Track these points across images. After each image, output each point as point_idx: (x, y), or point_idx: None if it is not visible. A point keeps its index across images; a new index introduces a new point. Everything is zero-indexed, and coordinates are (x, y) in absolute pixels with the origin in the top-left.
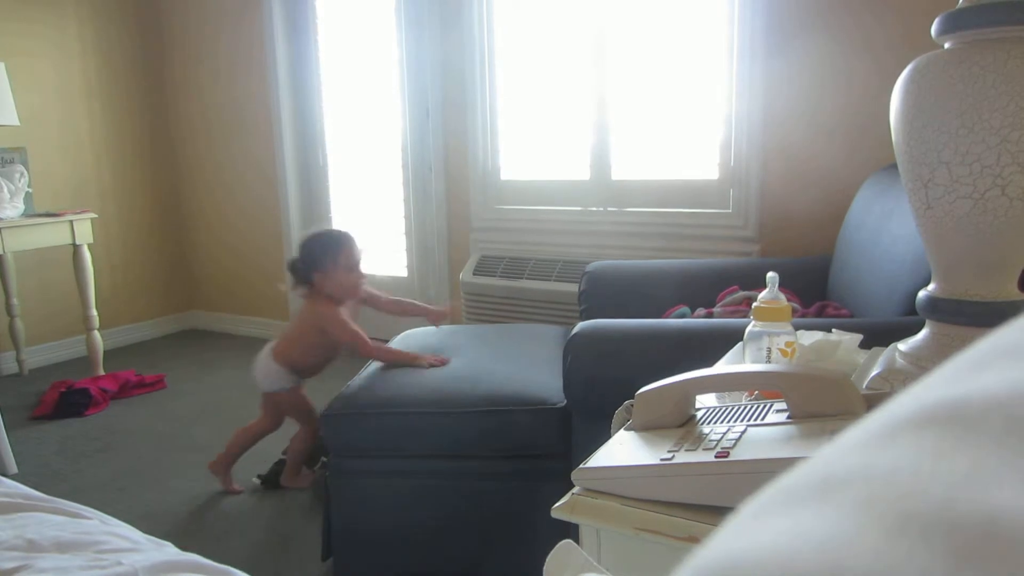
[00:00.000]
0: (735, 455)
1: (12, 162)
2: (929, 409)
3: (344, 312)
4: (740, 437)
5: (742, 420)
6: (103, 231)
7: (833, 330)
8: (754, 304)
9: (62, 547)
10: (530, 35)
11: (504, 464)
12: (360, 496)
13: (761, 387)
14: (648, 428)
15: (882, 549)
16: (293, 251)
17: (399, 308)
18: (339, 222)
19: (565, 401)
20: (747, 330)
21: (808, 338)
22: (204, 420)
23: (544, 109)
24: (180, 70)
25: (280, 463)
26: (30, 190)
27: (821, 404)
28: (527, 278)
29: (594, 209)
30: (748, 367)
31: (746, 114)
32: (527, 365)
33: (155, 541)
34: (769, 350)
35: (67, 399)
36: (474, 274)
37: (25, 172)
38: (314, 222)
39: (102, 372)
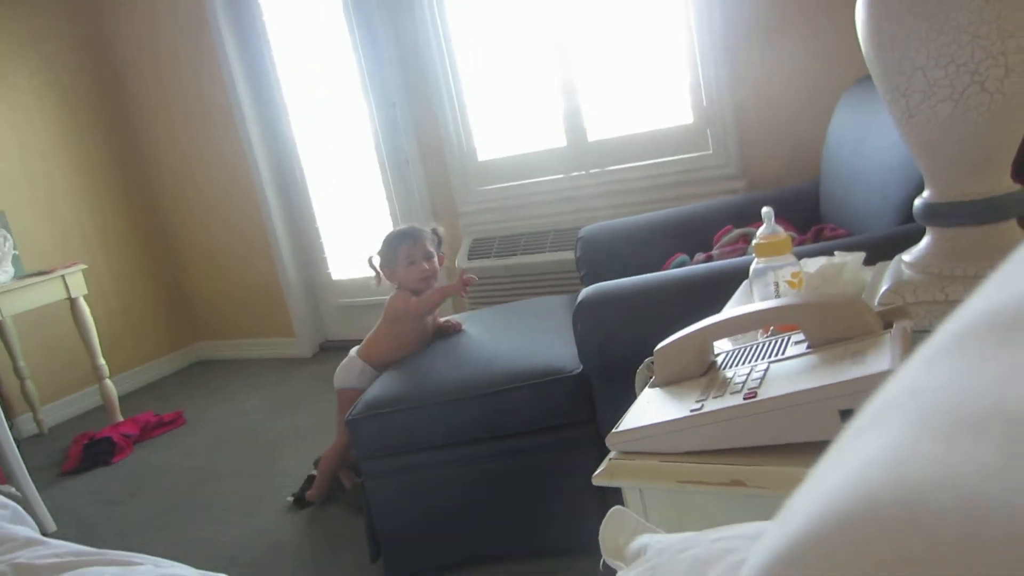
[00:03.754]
0: (763, 394)
1: None
2: (967, 325)
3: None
4: (764, 375)
5: (763, 358)
6: (95, 280)
7: (835, 252)
8: (753, 241)
9: None
10: (483, 10)
11: (533, 439)
12: (397, 493)
13: (776, 322)
14: (671, 382)
15: (940, 454)
16: (287, 269)
17: (426, 306)
18: (326, 232)
19: (581, 367)
20: (751, 268)
21: (812, 265)
22: (228, 448)
23: (510, 83)
24: (139, 104)
25: (310, 479)
26: (16, 252)
27: (838, 328)
28: (522, 253)
29: (576, 174)
30: (760, 305)
31: (709, 50)
32: (539, 338)
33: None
34: (776, 284)
35: (92, 450)
36: (469, 258)
37: (8, 235)
38: (300, 234)
39: (121, 418)
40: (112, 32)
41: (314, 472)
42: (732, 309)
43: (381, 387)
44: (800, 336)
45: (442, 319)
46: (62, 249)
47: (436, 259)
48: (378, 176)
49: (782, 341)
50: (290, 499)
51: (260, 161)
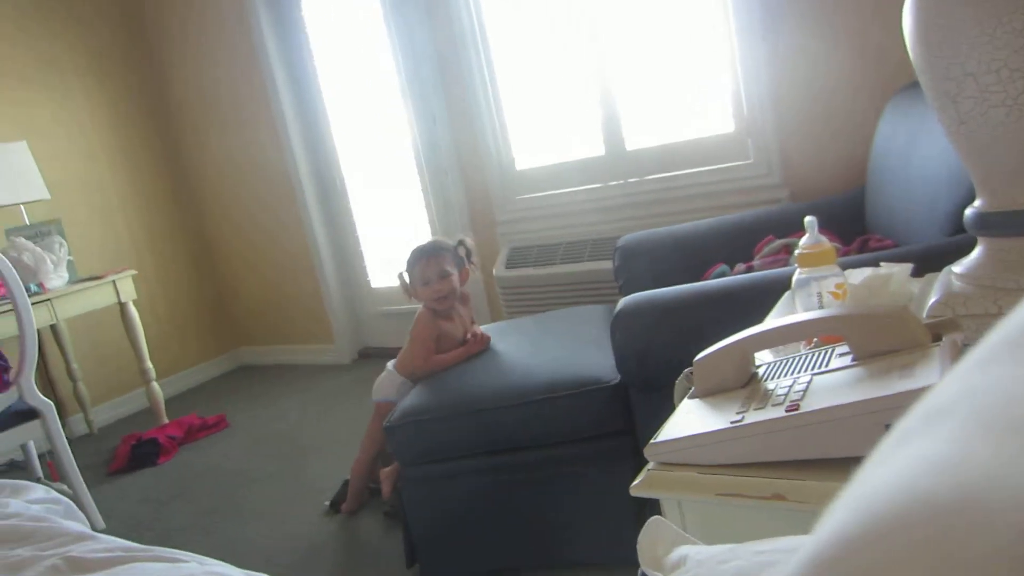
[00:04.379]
0: (805, 406)
1: (50, 234)
2: (1019, 331)
3: (441, 322)
4: (807, 388)
5: (806, 370)
6: (144, 286)
7: (881, 264)
8: (796, 251)
9: None
10: (520, 20)
11: (570, 449)
12: (434, 500)
13: (820, 334)
14: (711, 393)
15: (994, 454)
16: (327, 277)
17: (440, 366)
18: (365, 239)
19: (619, 378)
20: (794, 278)
21: (857, 276)
22: (269, 451)
23: (548, 92)
24: (187, 118)
25: (347, 484)
26: (71, 258)
27: (884, 341)
28: (560, 263)
29: (615, 183)
30: (803, 316)
31: (751, 58)
32: (576, 348)
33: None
34: (820, 295)
35: (139, 451)
36: (506, 268)
37: (63, 242)
38: (341, 242)
39: (166, 420)
40: (161, 51)
41: (348, 477)
42: (774, 320)
43: (418, 395)
44: (845, 348)
45: (472, 331)
46: (113, 255)
47: (455, 276)
48: (417, 185)
49: (826, 353)
50: (327, 504)
51: (302, 170)
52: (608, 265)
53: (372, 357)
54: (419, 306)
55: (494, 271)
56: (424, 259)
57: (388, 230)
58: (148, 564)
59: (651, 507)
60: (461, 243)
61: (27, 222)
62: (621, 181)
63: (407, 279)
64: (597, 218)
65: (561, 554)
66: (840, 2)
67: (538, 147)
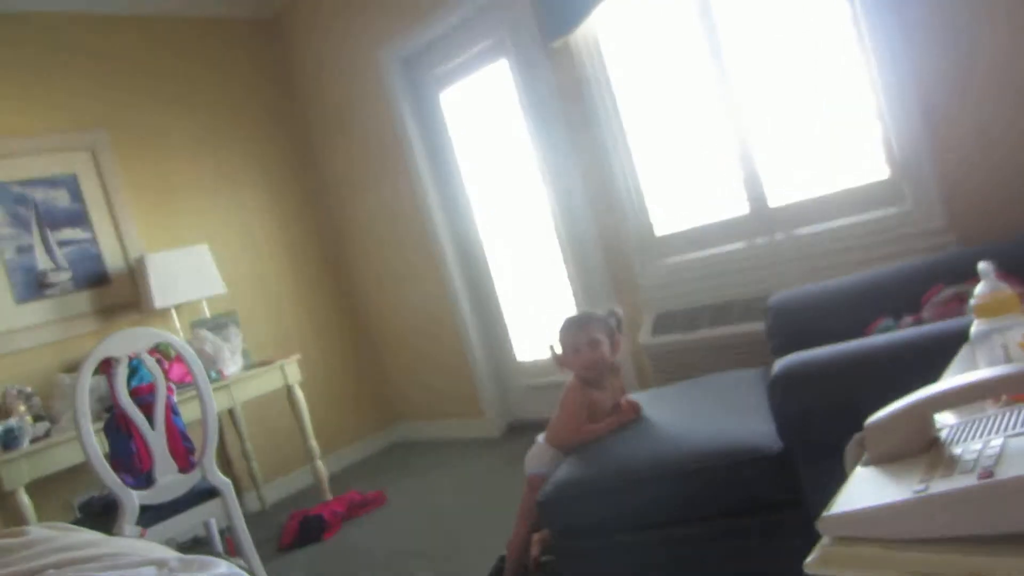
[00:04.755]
0: (1001, 473)
1: (227, 326)
2: None
3: (591, 392)
4: (1000, 452)
5: (996, 432)
6: (308, 368)
7: None
8: (972, 300)
9: None
10: (650, 81)
11: (732, 523)
12: (588, 573)
13: (1009, 391)
14: (887, 460)
15: None
16: (474, 351)
17: (592, 435)
18: (509, 313)
19: (782, 445)
20: (972, 330)
21: None
22: (426, 527)
23: (684, 153)
24: (343, 209)
25: (502, 560)
26: (245, 346)
27: None
28: (708, 326)
29: (760, 241)
30: (990, 372)
31: (897, 98)
32: (732, 415)
33: None
34: (1005, 347)
35: (306, 526)
36: (652, 334)
37: (239, 331)
38: (486, 318)
39: (330, 497)
40: (320, 148)
41: (504, 553)
42: (955, 377)
43: (571, 467)
44: None
45: (623, 400)
46: (281, 342)
47: (605, 345)
48: (559, 257)
49: (1018, 413)
50: None
51: (446, 248)
52: (760, 326)
53: (521, 430)
54: (568, 378)
55: (639, 338)
56: (575, 328)
57: (531, 303)
58: None
59: None
60: (612, 313)
61: (207, 315)
62: (767, 239)
63: (557, 349)
64: (744, 278)
65: None
66: (994, 21)
67: (678, 210)
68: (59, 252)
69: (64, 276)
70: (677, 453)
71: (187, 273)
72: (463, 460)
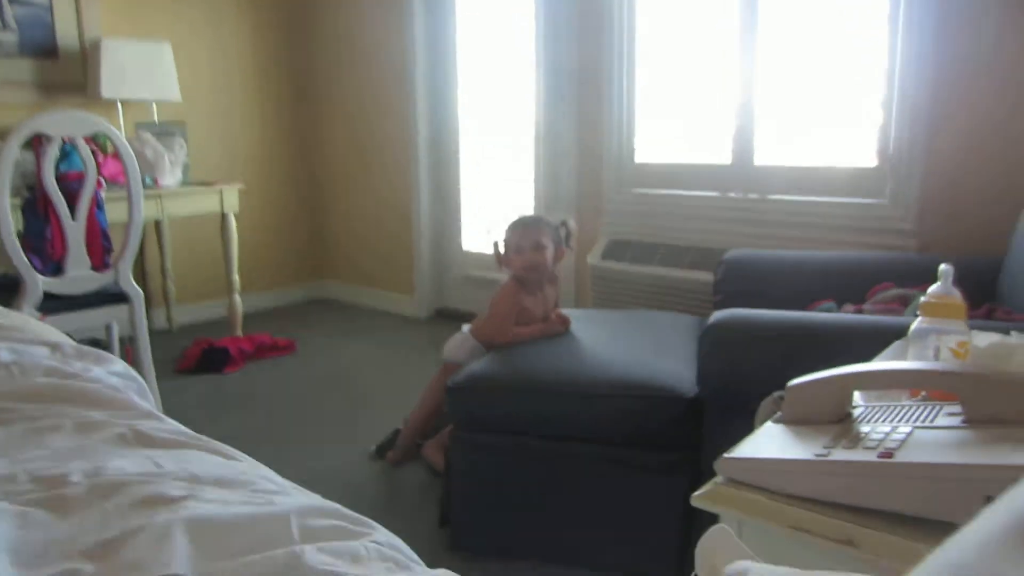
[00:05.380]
0: (901, 456)
1: (173, 135)
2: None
3: (525, 296)
4: (906, 439)
5: (907, 421)
6: (248, 201)
7: (1012, 333)
8: (923, 298)
9: (221, 483)
10: (673, 10)
11: (629, 452)
12: (480, 469)
13: (932, 386)
14: (799, 423)
15: None
16: (421, 229)
17: (520, 338)
18: (467, 201)
19: (696, 391)
20: (913, 325)
21: (984, 339)
22: (329, 385)
23: (685, 89)
24: (322, 49)
25: (396, 433)
26: (187, 161)
27: (1003, 409)
28: (658, 264)
29: (734, 195)
30: (918, 364)
31: (911, 93)
32: (658, 352)
33: (299, 488)
34: (938, 349)
35: (208, 356)
36: (602, 258)
37: (184, 144)
38: (442, 198)
39: (240, 333)
40: None
41: (401, 428)
42: (884, 362)
43: (488, 362)
44: (955, 408)
45: (554, 312)
46: (226, 167)
47: (550, 252)
48: (530, 157)
49: (932, 409)
50: (373, 448)
51: (420, 121)
52: (708, 276)
53: (448, 318)
54: (505, 277)
55: (588, 258)
56: (523, 228)
57: (491, 198)
58: (205, 454)
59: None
60: (564, 224)
61: (155, 120)
62: (741, 195)
63: (501, 247)
64: (707, 227)
65: (596, 555)
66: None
67: (662, 144)
68: (9, 10)
69: (10, 37)
70: (593, 374)
71: (143, 69)
72: (383, 332)
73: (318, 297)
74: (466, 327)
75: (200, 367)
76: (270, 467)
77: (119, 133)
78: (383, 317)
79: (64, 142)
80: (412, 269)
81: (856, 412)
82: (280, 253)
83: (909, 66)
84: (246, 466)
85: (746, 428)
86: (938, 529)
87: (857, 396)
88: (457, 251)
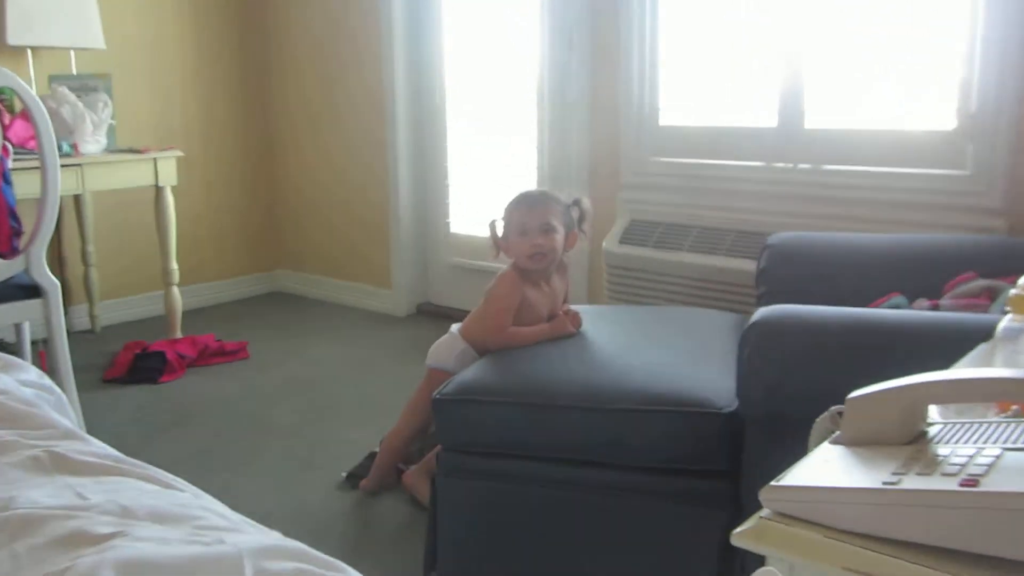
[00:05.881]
0: (987, 484)
1: (96, 90)
2: None
3: (528, 288)
4: (994, 463)
5: (995, 442)
6: (188, 172)
7: None
8: (1013, 291)
9: (158, 517)
10: None
11: (652, 478)
12: (473, 500)
13: None
14: (862, 443)
15: None
16: (399, 209)
17: (518, 341)
18: (456, 176)
19: (735, 406)
20: (1001, 325)
21: None
22: (290, 397)
23: (722, 34)
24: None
25: (372, 457)
26: (113, 122)
27: None
28: (689, 250)
29: (781, 165)
30: (1008, 372)
31: (999, 38)
32: (689, 358)
33: (253, 523)
34: None
35: (141, 363)
36: (620, 242)
37: (109, 102)
38: (426, 173)
39: (179, 335)
40: None
41: (377, 450)
42: (964, 369)
43: (482, 370)
44: None
45: (563, 308)
46: (162, 131)
47: (560, 236)
48: (533, 122)
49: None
50: (344, 475)
51: (398, 79)
52: (750, 265)
53: (432, 315)
54: (504, 266)
55: (604, 243)
56: (528, 206)
57: (485, 172)
58: (139, 482)
59: (742, 570)
60: (577, 202)
61: (74, 72)
62: (790, 165)
63: (499, 228)
64: (748, 205)
65: None
66: None
67: (692, 102)
68: None
69: None
70: (610, 384)
71: (59, 11)
72: (354, 332)
73: (274, 290)
74: (455, 327)
75: (131, 376)
76: (218, 498)
77: (28, 88)
78: (353, 315)
79: None
80: (388, 256)
81: (932, 431)
82: (228, 236)
83: (996, 4)
84: (189, 497)
85: (797, 450)
86: None
87: (933, 411)
88: (444, 234)
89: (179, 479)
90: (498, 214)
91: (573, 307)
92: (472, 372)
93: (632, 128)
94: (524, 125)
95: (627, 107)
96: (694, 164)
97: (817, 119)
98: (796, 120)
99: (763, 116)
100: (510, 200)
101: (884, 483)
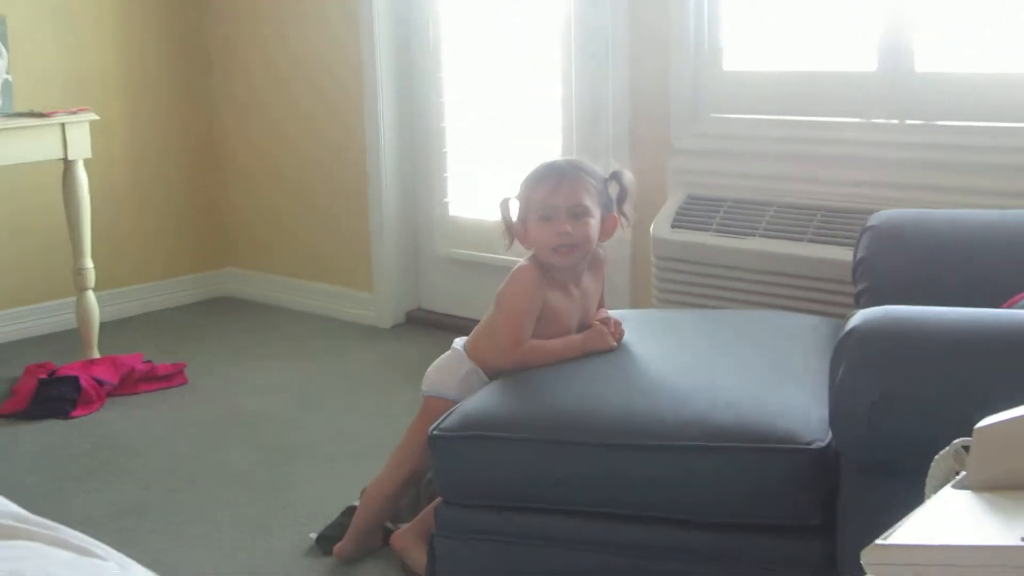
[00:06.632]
0: None
1: None
2: None
3: (551, 290)
4: None
5: None
6: (105, 143)
7: None
8: None
9: None
10: None
11: (714, 537)
12: (481, 566)
13: None
14: (996, 488)
15: None
16: (383, 189)
17: (539, 358)
18: (455, 147)
19: (827, 440)
20: None
21: None
22: (242, 437)
23: None
24: None
25: (349, 513)
26: (9, 77)
27: None
28: (762, 235)
29: (883, 122)
30: None
31: None
32: (763, 378)
33: None
34: None
35: (48, 392)
36: (673, 226)
37: (4, 52)
38: (417, 142)
39: (96, 354)
40: None
41: (356, 504)
42: None
43: (493, 398)
44: None
45: (600, 316)
46: (72, 89)
47: (594, 221)
48: (556, 71)
49: None
50: (313, 537)
51: (378, 21)
52: (845, 254)
53: (426, 325)
54: (520, 260)
55: (652, 228)
56: (555, 181)
57: (494, 138)
58: (47, 548)
59: None
60: (616, 176)
61: None
62: (896, 121)
63: (514, 211)
64: (842, 175)
65: None
66: None
67: (764, 40)
68: None
69: None
70: (662, 415)
71: None
72: (325, 349)
73: (220, 296)
74: (459, 342)
75: (35, 409)
76: (152, 567)
77: None
78: (324, 326)
79: None
80: (369, 250)
81: None
82: (159, 226)
83: None
84: (111, 567)
85: (909, 497)
86: None
87: None
88: (440, 219)
89: (99, 544)
90: (512, 191)
91: (611, 313)
92: (480, 401)
93: (687, 74)
94: (545, 72)
95: (680, 46)
96: (769, 121)
97: (931, 61)
98: (904, 62)
99: (860, 58)
100: (529, 173)
101: (1023, 538)
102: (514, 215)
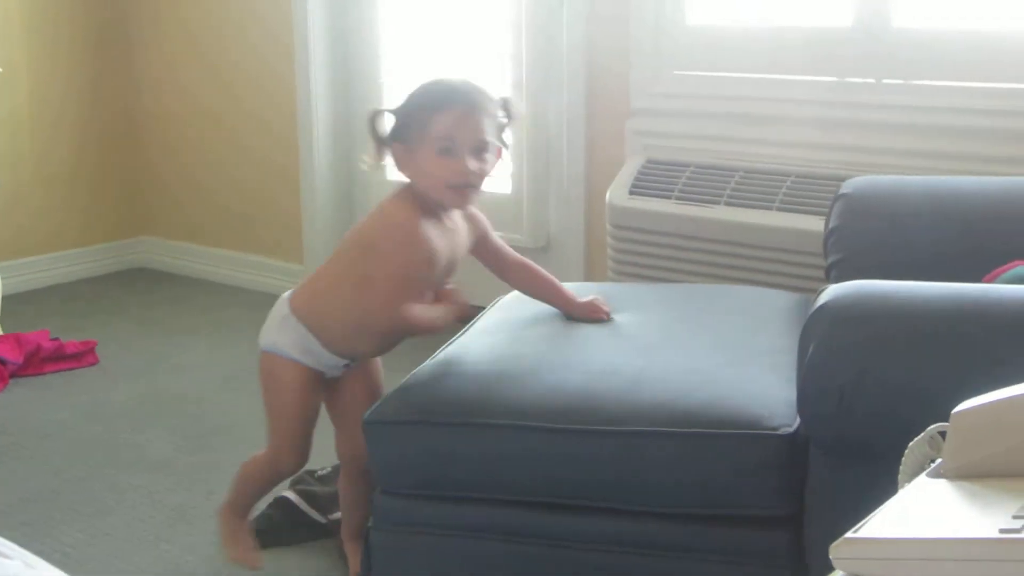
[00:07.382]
0: None
1: None
2: None
3: (427, 230)
4: None
5: None
6: (6, 94)
7: None
8: None
9: None
10: None
11: (676, 528)
12: (423, 562)
13: None
14: (973, 476)
15: None
16: (315, 139)
17: (528, 282)
18: (395, 91)
19: (795, 425)
20: None
21: None
22: (159, 420)
23: None
24: None
25: (277, 505)
26: None
27: None
28: (727, 203)
29: (857, 81)
30: None
31: None
32: (726, 358)
33: None
34: None
35: None
36: (631, 193)
37: None
38: (352, 93)
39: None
40: None
41: (287, 494)
42: None
43: (435, 380)
44: None
45: (582, 298)
46: None
47: (492, 157)
48: (507, 25)
49: None
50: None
51: None
52: (815, 224)
53: None
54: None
55: (608, 195)
56: (461, 110)
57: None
58: None
59: None
60: (505, 103)
61: None
62: (871, 80)
63: (391, 128)
64: (812, 138)
65: None
66: None
67: None
68: None
69: None
70: (619, 398)
71: None
72: (250, 324)
73: (135, 266)
74: (287, 294)
75: None
76: (60, 566)
77: None
78: (250, 299)
79: None
80: (299, 214)
81: None
82: (66, 189)
83: None
84: (16, 566)
85: (881, 485)
86: None
87: None
88: (380, 178)
89: (2, 540)
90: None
91: (566, 285)
92: (421, 383)
93: (647, 27)
94: (493, 25)
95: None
96: (735, 80)
97: (910, 17)
98: (880, 17)
99: (833, 12)
100: (421, 88)
101: (1002, 531)
102: (386, 131)
